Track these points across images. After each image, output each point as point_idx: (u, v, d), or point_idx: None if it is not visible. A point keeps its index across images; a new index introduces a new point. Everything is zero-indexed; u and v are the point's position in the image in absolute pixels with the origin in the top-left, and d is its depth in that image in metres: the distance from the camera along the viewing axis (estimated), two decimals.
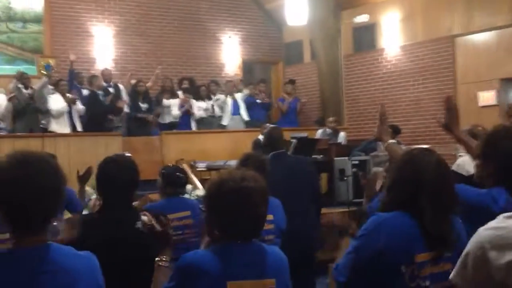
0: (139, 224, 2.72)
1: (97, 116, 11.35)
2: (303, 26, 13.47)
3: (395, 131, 10.23)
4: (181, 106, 12.18)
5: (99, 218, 3.45)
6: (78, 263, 2.13)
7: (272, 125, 8.04)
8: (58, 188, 2.11)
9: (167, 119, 12.22)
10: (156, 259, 2.71)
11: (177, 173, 5.19)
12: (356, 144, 11.46)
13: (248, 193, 2.44)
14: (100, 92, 11.67)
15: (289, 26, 14.32)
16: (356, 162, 10.01)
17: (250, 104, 13.11)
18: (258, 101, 13.15)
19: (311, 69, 14.89)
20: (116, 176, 3.38)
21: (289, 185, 5.47)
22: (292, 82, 14.24)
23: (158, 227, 2.70)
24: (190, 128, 12.24)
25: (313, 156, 10.05)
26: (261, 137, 10.25)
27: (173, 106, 12.14)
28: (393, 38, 13.35)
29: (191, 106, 12.25)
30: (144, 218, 2.71)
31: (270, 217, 4.26)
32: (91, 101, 11.48)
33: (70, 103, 11.01)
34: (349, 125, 14.01)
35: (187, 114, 12.25)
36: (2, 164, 2.07)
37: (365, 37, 13.93)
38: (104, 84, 11.95)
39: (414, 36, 12.98)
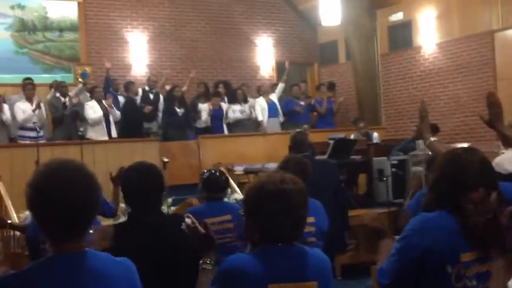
0: (183, 226, 2.72)
1: (134, 122, 11.41)
2: (338, 26, 13.38)
3: (434, 129, 10.00)
4: (211, 110, 12.16)
5: (131, 225, 3.45)
6: (116, 269, 2.12)
7: (299, 129, 8.04)
8: (93, 197, 2.10)
9: (202, 124, 12.21)
10: (200, 262, 2.70)
11: (217, 177, 5.15)
12: (395, 143, 11.31)
13: (288, 196, 2.42)
14: (137, 98, 11.74)
15: (323, 27, 14.24)
16: (395, 162, 9.87)
17: (292, 107, 12.99)
18: (301, 103, 13.03)
19: (346, 69, 14.79)
20: (140, 183, 3.40)
21: (310, 186, 5.47)
22: (325, 84, 14.16)
23: (201, 230, 2.69)
24: (222, 132, 12.22)
25: (351, 157, 9.96)
26: None
27: (203, 111, 12.13)
28: (429, 35, 13.17)
29: (222, 110, 12.21)
30: (188, 220, 2.71)
31: (311, 219, 4.23)
32: (127, 107, 11.54)
33: (109, 107, 11.08)
34: (387, 124, 13.87)
35: (218, 118, 12.22)
36: (38, 174, 2.07)
37: (401, 36, 13.77)
38: (147, 88, 12.05)
39: (451, 33, 12.79)
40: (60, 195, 2.01)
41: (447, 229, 2.51)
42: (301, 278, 2.43)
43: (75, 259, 2.06)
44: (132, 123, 11.37)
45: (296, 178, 2.53)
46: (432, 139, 3.57)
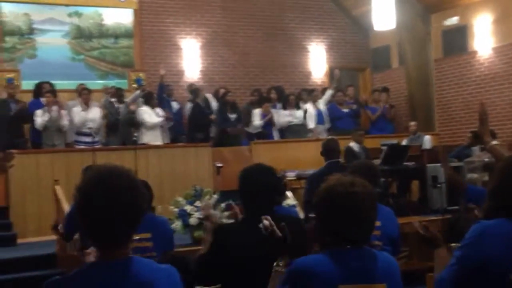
0: (260, 226, 2.75)
1: (201, 127, 11.54)
2: (391, 31, 13.26)
3: (491, 135, 9.88)
4: (263, 115, 12.18)
5: (226, 226, 3.49)
6: (160, 276, 2.14)
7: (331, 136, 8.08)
8: (138, 204, 2.12)
9: (255, 129, 12.24)
10: (274, 264, 2.72)
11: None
12: (449, 150, 11.15)
13: (357, 198, 2.44)
14: (202, 104, 11.86)
15: (376, 32, 14.11)
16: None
17: (336, 113, 12.93)
18: (344, 110, 12.96)
19: (399, 74, 14.63)
20: (256, 182, 3.45)
21: None
22: (379, 89, 14.04)
23: (278, 233, 2.72)
24: (272, 137, 12.23)
25: (404, 163, 9.85)
26: (352, 144, 10.13)
27: (255, 116, 12.17)
28: (485, 40, 12.94)
29: (272, 116, 12.21)
30: (266, 222, 2.74)
31: (377, 223, 4.22)
32: (195, 112, 11.68)
33: (168, 121, 11.20)
34: (440, 130, 13.67)
35: (270, 124, 12.23)
36: (86, 179, 2.11)
37: (456, 40, 13.56)
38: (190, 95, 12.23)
39: (508, 37, 12.54)
40: (106, 201, 2.04)
41: (508, 237, 2.46)
42: (370, 280, 2.44)
43: (120, 266, 2.08)
44: (196, 129, 11.50)
45: (365, 182, 2.55)
46: (493, 142, 3.50)
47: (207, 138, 11.79)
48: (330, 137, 7.65)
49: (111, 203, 2.04)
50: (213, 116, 11.93)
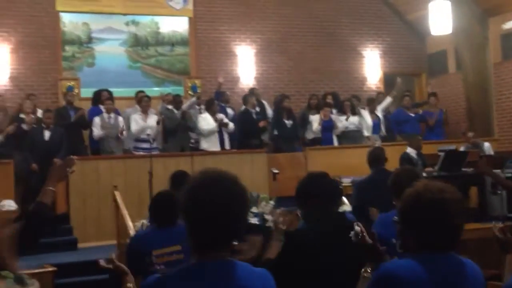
0: (352, 234, 2.77)
1: (250, 134, 11.58)
2: (447, 35, 13.06)
3: None
4: (321, 121, 12.14)
5: (305, 231, 3.51)
6: (257, 281, 2.19)
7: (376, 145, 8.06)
8: (244, 209, 2.18)
9: (311, 135, 12.21)
10: (362, 270, 2.73)
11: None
12: (509, 155, 10.91)
13: (446, 204, 2.43)
14: (253, 111, 11.91)
15: (432, 36, 13.94)
16: (510, 174, 9.51)
17: (402, 117, 12.79)
18: (412, 114, 12.82)
19: (456, 79, 14.41)
20: (317, 190, 3.47)
21: (384, 198, 5.62)
22: (433, 94, 13.83)
23: (368, 240, 2.73)
24: (332, 143, 12.17)
25: (462, 169, 9.68)
26: (409, 150, 10.02)
27: (314, 122, 12.15)
28: None
29: (332, 121, 12.16)
30: (357, 228, 2.75)
31: None
32: (243, 119, 11.74)
33: (222, 126, 11.27)
34: (500, 136, 13.40)
35: (328, 129, 12.18)
36: (194, 181, 2.16)
37: None
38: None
39: None
40: (214, 204, 2.08)
41: None
42: (458, 286, 2.43)
43: (221, 268, 2.12)
44: (247, 135, 11.55)
45: (453, 187, 2.53)
46: None
47: (260, 144, 11.80)
48: (375, 145, 7.63)
49: (219, 207, 2.08)
50: (262, 123, 11.93)
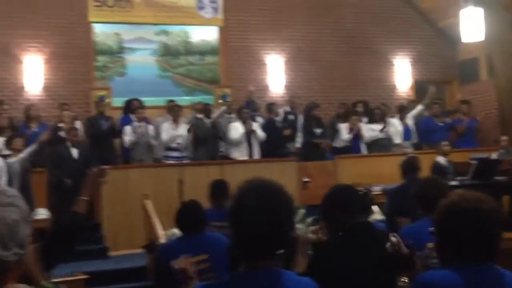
0: (388, 245, 2.78)
1: (275, 143, 11.58)
2: (479, 42, 12.92)
3: None
4: (350, 129, 12.11)
5: (332, 243, 3.51)
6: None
7: (411, 154, 8.02)
8: (291, 219, 2.20)
9: (341, 143, 12.17)
10: (398, 279, 2.74)
11: (362, 197, 5.16)
12: None
13: (483, 214, 2.41)
14: (278, 119, 11.92)
15: (463, 44, 13.81)
16: None
17: (430, 126, 12.70)
18: (440, 123, 12.72)
19: (488, 87, 14.24)
20: (342, 201, 3.49)
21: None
22: (466, 102, 13.71)
23: (405, 250, 2.73)
24: (360, 151, 12.13)
25: (495, 178, 9.57)
26: (439, 158, 9.95)
27: (342, 130, 12.12)
28: None
29: (359, 130, 12.11)
30: (393, 239, 2.76)
31: None
32: (268, 128, 11.75)
33: (250, 133, 11.29)
34: None
35: (356, 138, 12.14)
36: (243, 190, 2.18)
37: None
38: (288, 109, 12.24)
39: None
40: (261, 212, 2.10)
41: None
42: None
43: (268, 276, 2.13)
44: (273, 144, 11.55)
45: (489, 197, 2.51)
46: None
47: (286, 153, 11.78)
48: (409, 155, 7.59)
49: (267, 215, 2.10)
50: (286, 131, 11.91)
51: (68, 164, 9.54)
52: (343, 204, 3.46)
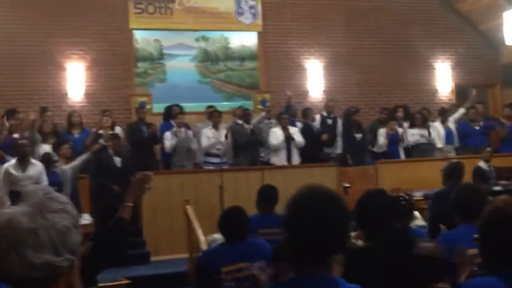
0: (419, 248, 2.76)
1: (312, 148, 11.55)
2: None
3: None
4: (387, 134, 12.01)
5: (365, 249, 3.50)
6: None
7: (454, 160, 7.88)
8: (345, 228, 2.19)
9: (380, 148, 12.08)
10: (436, 285, 2.72)
11: (401, 202, 5.11)
12: None
13: None
14: (315, 124, 11.89)
15: (506, 46, 13.61)
16: None
17: (467, 130, 12.56)
18: (476, 127, 12.55)
19: None
20: (375, 208, 3.47)
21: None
22: (509, 106, 13.46)
23: (437, 255, 2.72)
24: (398, 156, 12.02)
25: None
26: (481, 163, 9.82)
27: (380, 136, 12.03)
28: None
29: (398, 134, 11.99)
30: (426, 244, 2.75)
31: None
32: (305, 133, 11.72)
33: (289, 140, 11.28)
34: None
35: (394, 143, 12.03)
36: (299, 196, 2.19)
37: None
38: (325, 114, 12.22)
39: None
40: (317, 220, 2.10)
41: None
42: None
43: (319, 283, 2.13)
44: (310, 149, 11.52)
45: None
46: None
47: (324, 158, 11.73)
48: (454, 160, 7.47)
49: (324, 223, 2.10)
50: (324, 136, 11.86)
51: (111, 171, 9.66)
52: (374, 210, 3.44)
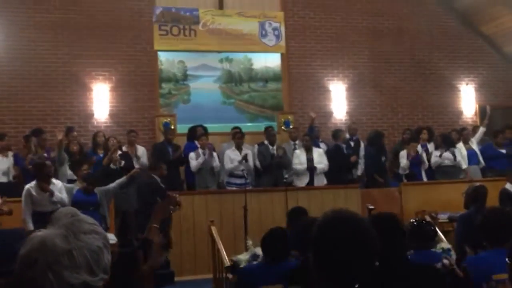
0: (439, 265, 2.76)
1: (341, 169, 11.52)
2: None
3: None
4: (407, 155, 11.94)
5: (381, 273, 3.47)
6: None
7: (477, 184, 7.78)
8: (374, 253, 2.17)
9: (402, 170, 11.99)
10: None
11: (425, 226, 5.09)
12: None
13: None
14: (343, 146, 11.87)
15: None
16: None
17: (491, 153, 12.46)
18: (501, 150, 12.45)
19: None
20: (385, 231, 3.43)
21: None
22: None
23: (459, 273, 2.71)
24: (421, 178, 11.95)
25: None
26: (508, 186, 9.72)
27: (402, 158, 11.97)
28: None
29: (420, 156, 11.92)
30: (446, 261, 2.75)
31: None
32: (334, 154, 11.71)
33: (312, 166, 11.28)
34: None
35: (416, 164, 11.95)
36: (326, 219, 2.19)
37: None
38: (347, 136, 12.23)
39: None
40: (343, 242, 2.10)
41: None
42: None
43: None
44: (338, 170, 11.48)
45: None
46: None
47: (352, 180, 11.69)
48: (477, 183, 7.43)
49: (349, 246, 2.10)
50: (353, 158, 11.85)
51: (139, 192, 9.74)
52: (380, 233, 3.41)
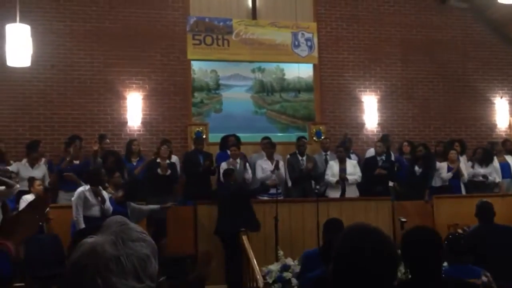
0: (478, 281, 2.76)
1: (375, 181, 11.47)
2: None
3: None
4: (450, 168, 11.84)
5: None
6: None
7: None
8: (394, 267, 2.19)
9: (439, 182, 11.88)
10: None
11: (463, 239, 5.05)
12: None
13: None
14: (379, 158, 11.80)
15: None
16: None
17: None
18: None
19: None
20: (418, 248, 3.40)
21: (494, 250, 6.06)
22: None
23: None
24: (460, 191, 11.82)
25: None
26: None
27: (442, 169, 11.86)
28: None
29: (458, 168, 11.82)
30: (484, 279, 2.74)
31: None
32: (369, 165, 11.67)
33: (343, 179, 11.26)
34: None
35: (455, 177, 11.84)
36: (349, 232, 2.22)
37: None
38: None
39: None
40: (365, 254, 2.12)
41: None
42: None
43: None
44: (372, 182, 11.43)
45: None
46: None
47: (385, 191, 11.60)
48: (483, 199, 7.37)
49: (370, 258, 2.12)
50: (378, 170, 11.68)
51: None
52: (418, 249, 3.37)
